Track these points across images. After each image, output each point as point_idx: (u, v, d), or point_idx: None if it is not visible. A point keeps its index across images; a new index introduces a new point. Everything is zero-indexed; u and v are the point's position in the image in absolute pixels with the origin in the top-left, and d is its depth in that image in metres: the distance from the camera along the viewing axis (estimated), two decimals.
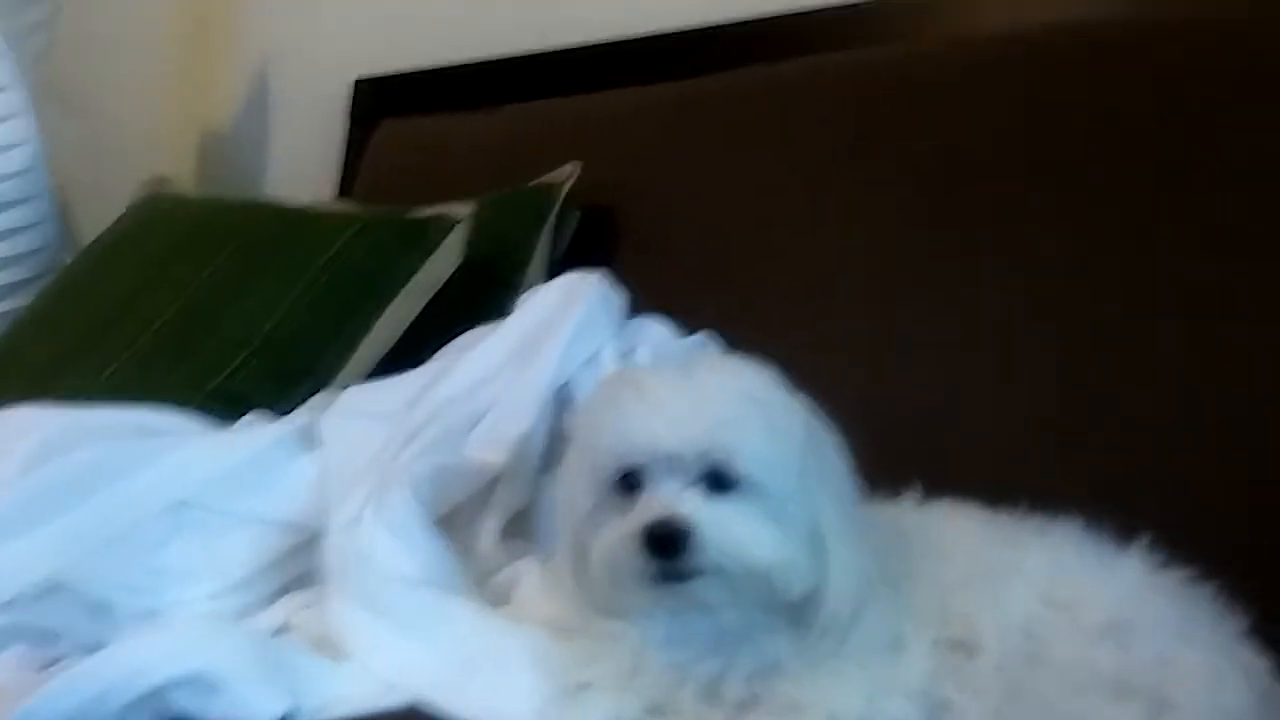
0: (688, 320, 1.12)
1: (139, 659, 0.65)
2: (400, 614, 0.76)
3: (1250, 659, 0.67)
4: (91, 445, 0.85)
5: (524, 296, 1.07)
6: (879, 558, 0.70)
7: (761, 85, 1.30)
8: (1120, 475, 0.91)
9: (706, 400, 0.68)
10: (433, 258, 1.16)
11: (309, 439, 0.94)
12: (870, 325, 1.11)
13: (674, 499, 0.66)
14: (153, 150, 2.07)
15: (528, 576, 0.86)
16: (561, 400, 0.95)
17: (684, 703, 0.68)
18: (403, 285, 1.15)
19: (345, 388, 1.10)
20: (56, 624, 0.80)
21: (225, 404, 1.05)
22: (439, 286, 1.16)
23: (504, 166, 1.47)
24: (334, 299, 1.14)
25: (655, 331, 1.08)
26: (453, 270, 1.16)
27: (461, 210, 1.20)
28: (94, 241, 1.40)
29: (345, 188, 1.73)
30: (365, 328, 1.12)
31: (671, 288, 1.20)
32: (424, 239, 1.17)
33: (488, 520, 0.90)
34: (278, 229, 1.23)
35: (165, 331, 1.12)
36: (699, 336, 1.10)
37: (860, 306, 1.13)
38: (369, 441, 0.92)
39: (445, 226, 1.18)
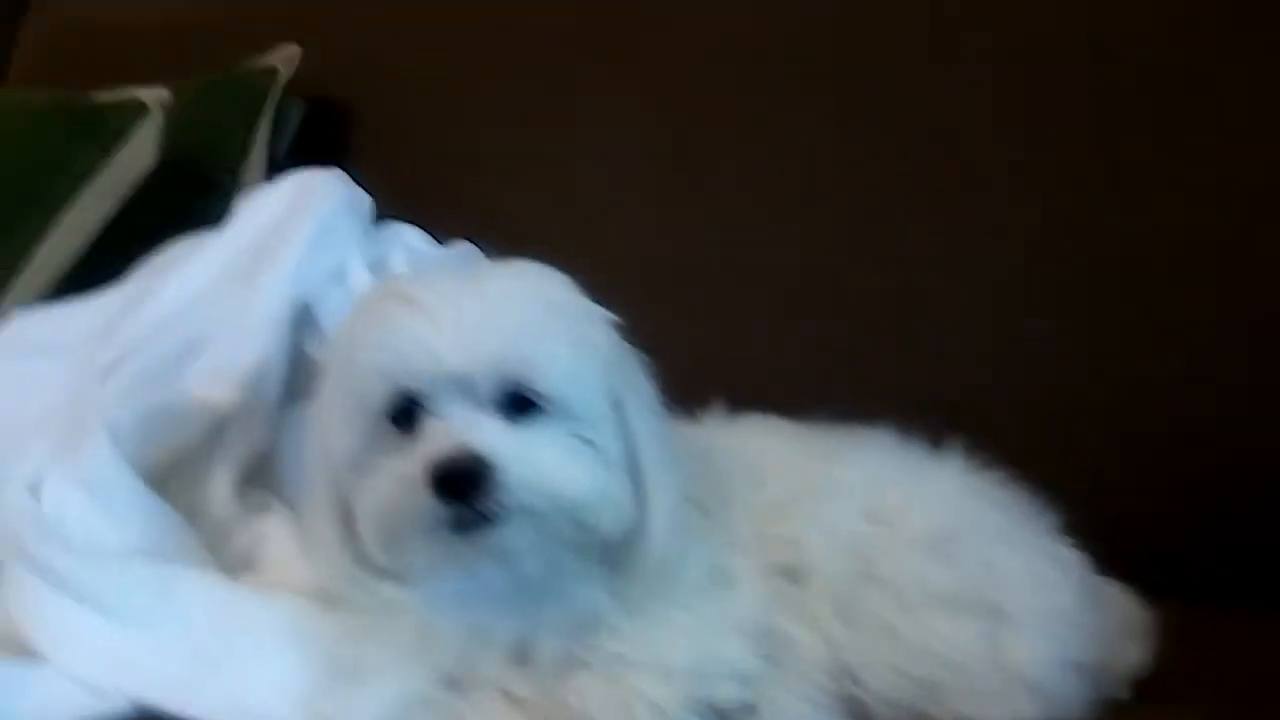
0: (436, 231, 1.00)
1: None
2: (107, 596, 0.60)
3: (1070, 555, 0.65)
4: None
5: (243, 201, 0.90)
6: (697, 486, 0.62)
7: None
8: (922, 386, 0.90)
9: (497, 310, 0.56)
10: (119, 152, 0.95)
11: None
12: (632, 234, 1.02)
13: (466, 428, 0.55)
14: None
15: (275, 536, 0.71)
16: (301, 323, 0.79)
17: (487, 671, 0.57)
18: (81, 183, 0.93)
19: (29, 302, 0.89)
20: None
21: None
22: (129, 188, 0.95)
23: (201, 48, 1.25)
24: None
25: (409, 238, 0.94)
26: (145, 169, 0.96)
27: (152, 95, 0.98)
28: None
29: None
30: (37, 236, 0.91)
31: (415, 192, 1.06)
32: (105, 128, 0.96)
33: (217, 470, 0.73)
34: None
35: None
36: (459, 246, 0.98)
37: (622, 214, 1.04)
38: (45, 384, 0.72)
39: (131, 113, 0.96)
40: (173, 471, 0.72)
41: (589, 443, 0.57)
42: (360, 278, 0.83)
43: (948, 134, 0.95)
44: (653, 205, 1.03)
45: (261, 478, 0.77)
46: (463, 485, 0.54)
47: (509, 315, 0.57)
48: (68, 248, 0.93)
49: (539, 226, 1.04)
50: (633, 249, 1.02)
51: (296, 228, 0.82)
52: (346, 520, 0.59)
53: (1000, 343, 0.89)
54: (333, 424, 0.59)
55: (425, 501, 0.54)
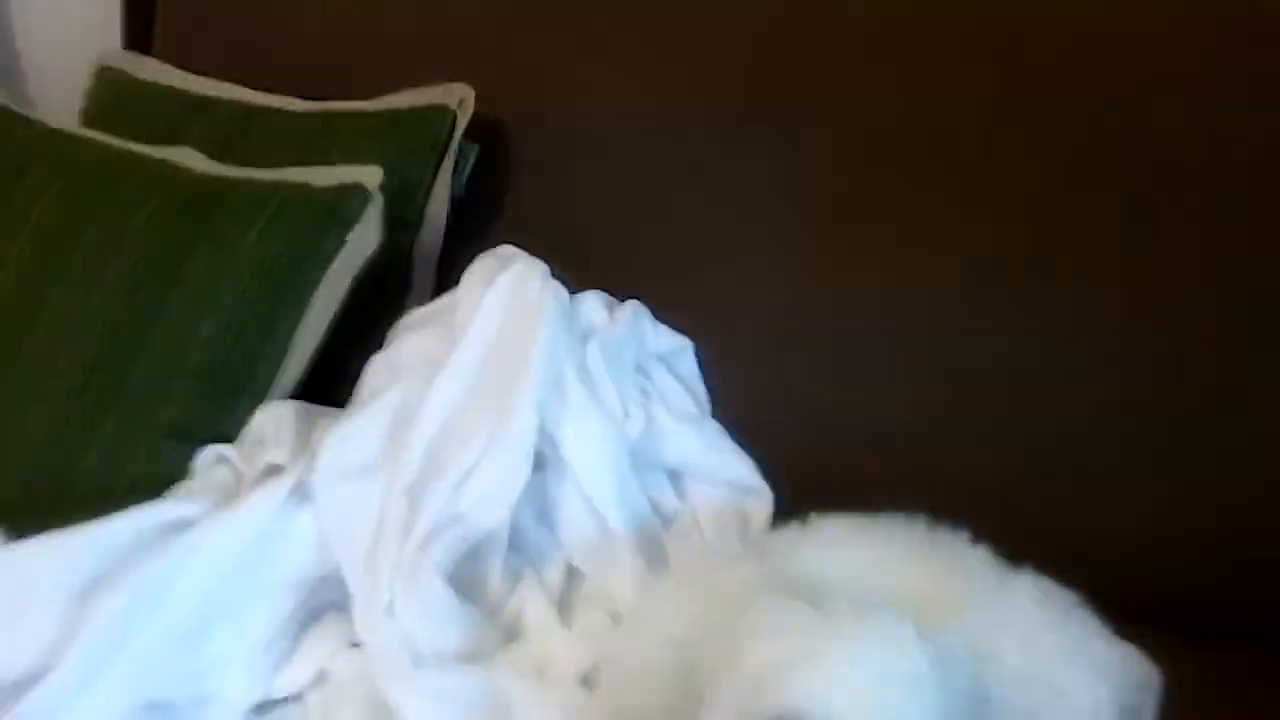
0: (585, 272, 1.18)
1: None
2: (452, 696, 0.88)
3: (1113, 658, 0.89)
4: (122, 574, 0.86)
5: (464, 287, 1.10)
6: None
7: None
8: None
9: (892, 675, 0.72)
10: (352, 237, 1.12)
11: (300, 493, 0.98)
12: (775, 300, 1.20)
13: None
14: None
15: (532, 602, 1.00)
16: None
17: None
18: (324, 272, 1.11)
19: (286, 394, 1.12)
20: None
21: (174, 440, 1.04)
22: (361, 268, 1.13)
23: (346, 51, 1.37)
24: (261, 301, 1.09)
25: (591, 309, 1.16)
26: (373, 251, 1.13)
27: (372, 177, 1.13)
28: None
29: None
30: (294, 328, 1.10)
31: (570, 233, 1.23)
32: (342, 215, 1.12)
33: (491, 560, 1.01)
34: (185, 201, 1.12)
35: (85, 358, 1.04)
36: (629, 306, 1.18)
37: (757, 270, 1.21)
38: (365, 505, 0.98)
39: (363, 198, 1.13)
40: (465, 560, 1.00)
41: None
42: (574, 388, 1.06)
43: (1075, 230, 1.11)
44: (789, 263, 1.20)
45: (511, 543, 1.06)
46: None
47: (893, 684, 0.72)
48: (315, 334, 1.12)
49: (683, 275, 1.24)
50: (763, 302, 1.21)
51: (527, 349, 1.03)
52: None
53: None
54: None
55: None
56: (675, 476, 1.16)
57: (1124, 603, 0.97)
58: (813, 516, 0.99)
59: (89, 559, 0.87)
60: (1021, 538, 0.96)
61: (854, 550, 0.95)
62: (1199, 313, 1.08)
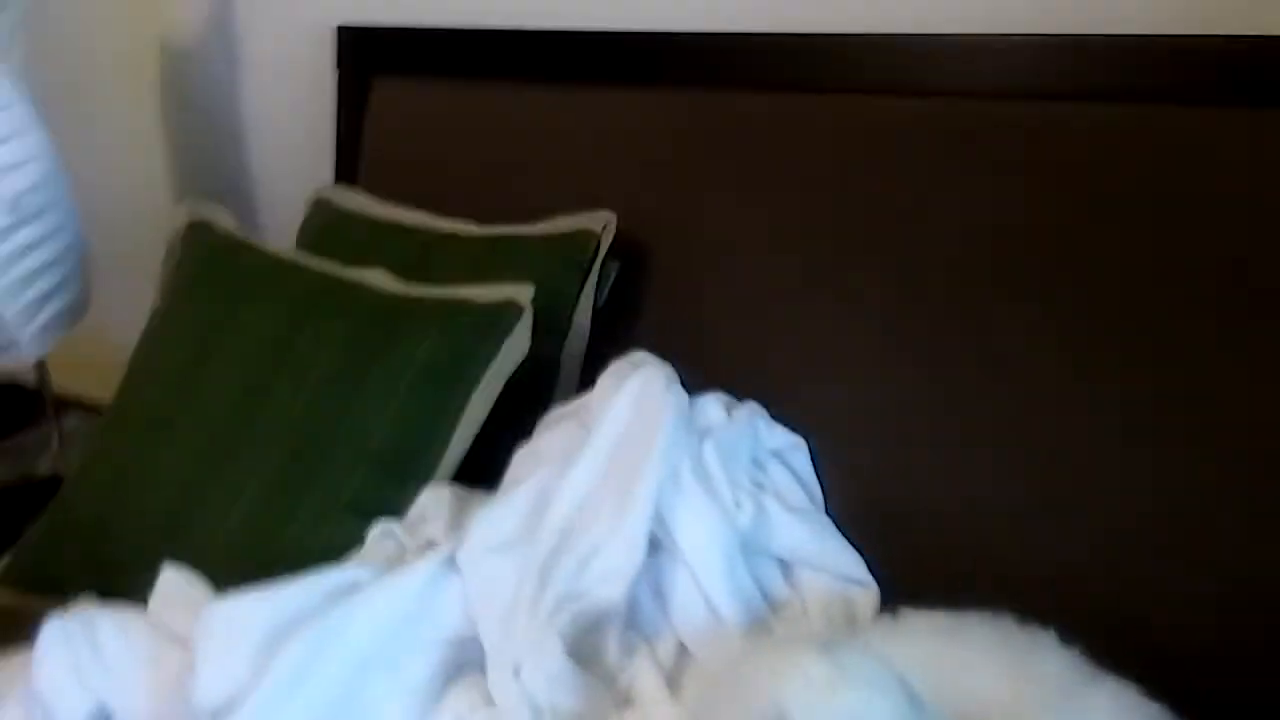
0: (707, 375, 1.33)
1: None
2: None
3: None
4: (305, 623, 1.05)
5: (599, 399, 1.25)
6: None
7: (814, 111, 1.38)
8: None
9: (852, 681, 0.87)
10: (506, 344, 1.31)
11: (451, 564, 1.15)
12: (881, 403, 1.32)
13: None
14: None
15: (643, 672, 1.12)
16: None
17: None
18: (483, 374, 1.30)
19: (447, 478, 1.30)
20: None
21: (355, 515, 1.24)
22: (511, 372, 1.32)
23: (511, 146, 1.62)
24: (430, 398, 1.29)
25: (711, 412, 1.29)
26: (524, 356, 1.32)
27: (524, 294, 1.33)
28: (171, 290, 1.47)
29: (341, 142, 1.80)
30: (456, 421, 1.29)
31: (692, 342, 1.40)
32: (499, 326, 1.32)
33: (610, 633, 1.14)
34: (373, 315, 1.34)
35: (292, 443, 1.26)
36: (748, 406, 1.32)
37: (857, 378, 1.33)
38: (503, 576, 1.13)
39: (516, 313, 1.32)
40: (586, 632, 1.14)
41: None
42: (688, 480, 1.19)
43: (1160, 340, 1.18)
44: (885, 374, 1.32)
45: (628, 619, 1.19)
46: None
47: (855, 686, 0.87)
48: (472, 429, 1.30)
49: (794, 386, 1.37)
50: (864, 407, 1.33)
51: (649, 447, 1.18)
52: None
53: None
54: None
55: None
56: (785, 566, 1.27)
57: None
58: (905, 610, 1.09)
59: (279, 612, 1.06)
60: (1116, 642, 1.02)
61: (938, 647, 1.04)
62: None
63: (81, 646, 1.08)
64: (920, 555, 1.26)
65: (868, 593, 1.24)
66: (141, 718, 1.05)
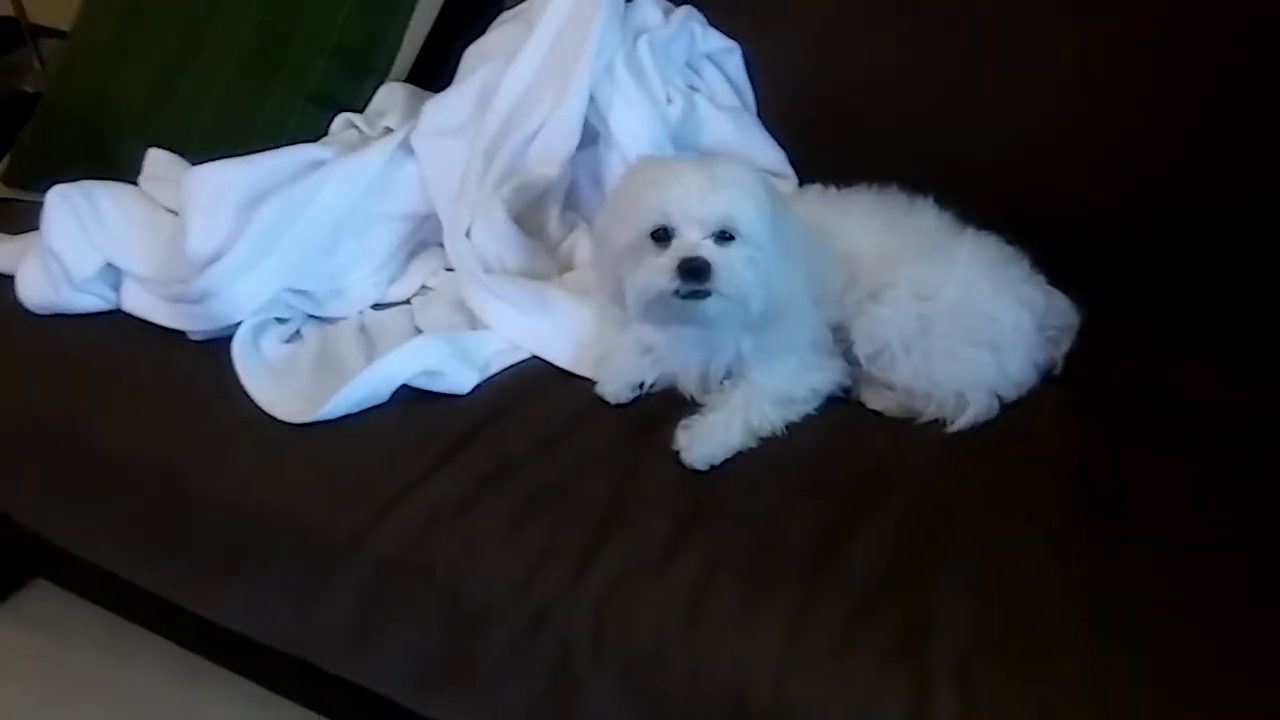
0: None
1: (392, 368, 1.09)
2: (514, 298, 1.19)
3: (1036, 294, 1.14)
4: (277, 191, 1.19)
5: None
6: (813, 280, 1.10)
7: None
8: None
9: (723, 185, 1.02)
10: None
11: (406, 148, 1.28)
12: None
13: (699, 245, 1.03)
14: None
15: (581, 245, 1.29)
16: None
17: (688, 381, 1.12)
18: None
19: (401, 78, 1.40)
20: (284, 311, 1.22)
21: (319, 106, 1.35)
22: None
23: None
24: None
25: (649, 16, 1.37)
26: None
27: None
28: None
29: None
30: (409, 16, 1.37)
31: None
32: None
33: (551, 208, 1.29)
34: None
35: (252, 43, 1.35)
36: (683, 11, 1.39)
37: None
38: (453, 156, 1.27)
39: None
40: (527, 210, 1.28)
41: (755, 260, 1.03)
42: (622, 74, 1.29)
43: None
44: None
45: (569, 202, 1.33)
46: (696, 272, 1.02)
47: (726, 188, 1.02)
48: (425, 27, 1.38)
49: None
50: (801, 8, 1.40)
51: (584, 40, 1.27)
52: (618, 287, 1.07)
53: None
54: (616, 230, 1.06)
55: (672, 280, 1.02)
56: None
57: (1070, 266, 1.18)
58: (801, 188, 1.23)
59: (257, 178, 1.20)
60: (999, 205, 1.18)
61: (825, 210, 1.20)
62: None
63: (85, 211, 1.23)
64: (844, 152, 1.38)
65: (788, 184, 1.38)
66: (144, 270, 1.22)
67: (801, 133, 1.41)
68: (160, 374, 1.18)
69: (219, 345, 1.19)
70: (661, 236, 1.04)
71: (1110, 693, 0.82)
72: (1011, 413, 1.11)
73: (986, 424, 1.10)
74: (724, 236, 1.04)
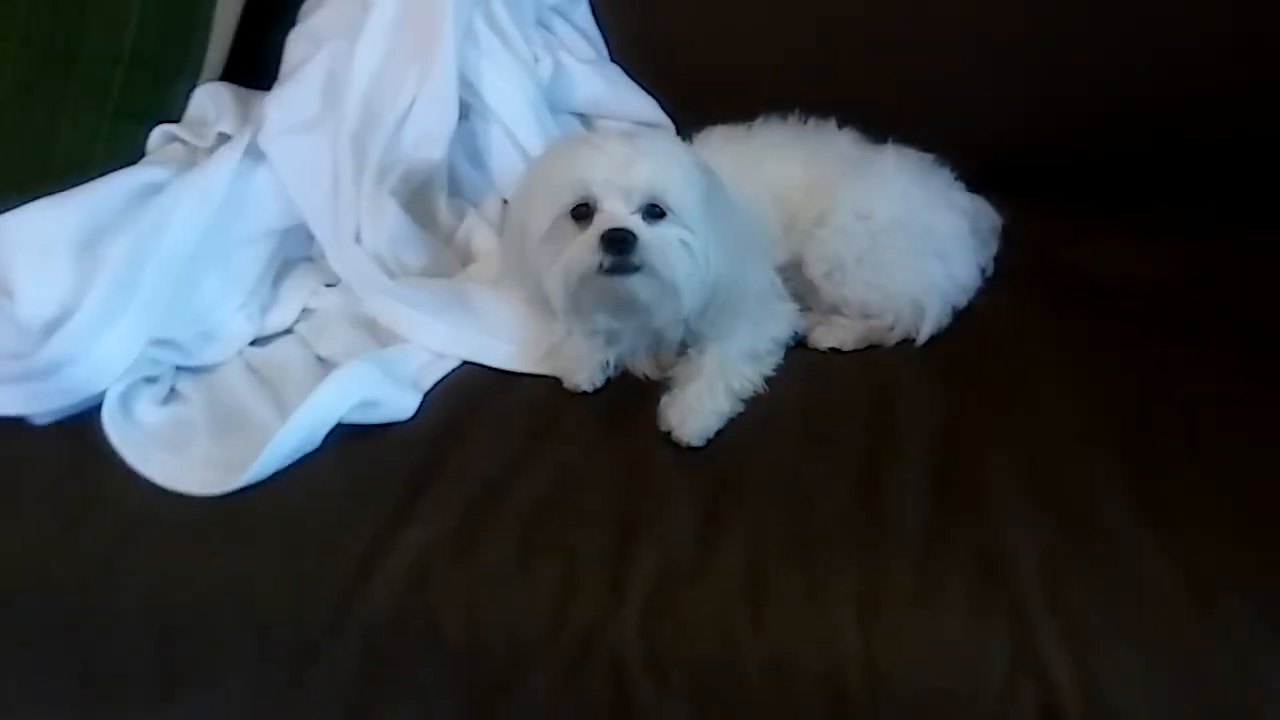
0: None
1: (323, 407, 0.92)
2: (428, 304, 1.05)
3: (965, 199, 1.13)
4: (118, 226, 0.98)
5: None
6: (751, 236, 1.03)
7: None
8: None
9: (647, 155, 0.93)
10: None
11: (253, 154, 1.09)
12: None
13: (624, 218, 0.93)
14: None
15: (479, 233, 1.15)
16: None
17: (640, 364, 1.02)
18: None
19: (216, 76, 1.21)
20: (150, 369, 1.02)
21: (129, 121, 1.13)
22: None
23: None
24: None
25: None
26: None
27: None
28: None
29: None
30: (211, 8, 1.17)
31: None
32: None
33: (438, 195, 1.15)
34: None
35: (25, 61, 1.10)
36: None
37: None
38: (316, 156, 1.10)
39: None
40: (410, 201, 1.13)
41: (691, 241, 0.94)
42: (485, 36, 1.16)
43: None
44: None
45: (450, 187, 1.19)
46: (621, 243, 0.91)
47: (653, 160, 0.93)
48: (233, 11, 1.19)
49: None
50: None
51: (440, 6, 1.12)
52: (533, 280, 0.97)
53: None
54: (532, 216, 0.95)
55: (596, 254, 0.91)
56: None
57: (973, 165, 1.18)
58: (699, 132, 1.15)
59: (89, 215, 0.99)
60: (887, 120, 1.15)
61: (736, 151, 1.12)
62: None
63: None
64: (705, 89, 1.31)
65: (666, 132, 1.30)
66: None
67: (667, 77, 1.33)
68: (13, 474, 0.96)
69: (76, 424, 0.98)
70: (583, 214, 0.94)
71: (1186, 577, 0.81)
72: (969, 319, 1.09)
73: (953, 339, 1.07)
74: (653, 213, 0.94)
